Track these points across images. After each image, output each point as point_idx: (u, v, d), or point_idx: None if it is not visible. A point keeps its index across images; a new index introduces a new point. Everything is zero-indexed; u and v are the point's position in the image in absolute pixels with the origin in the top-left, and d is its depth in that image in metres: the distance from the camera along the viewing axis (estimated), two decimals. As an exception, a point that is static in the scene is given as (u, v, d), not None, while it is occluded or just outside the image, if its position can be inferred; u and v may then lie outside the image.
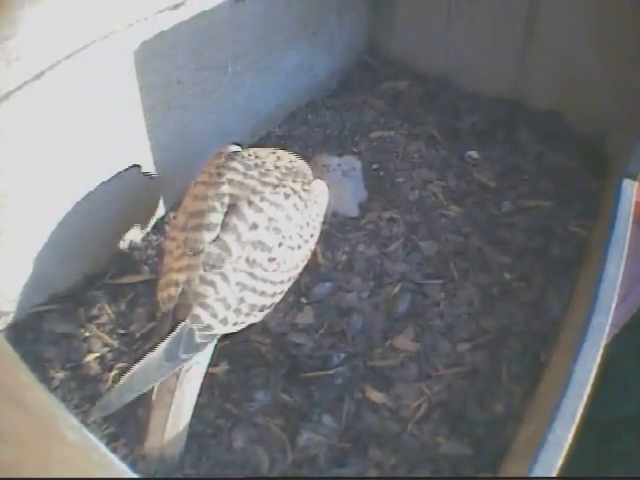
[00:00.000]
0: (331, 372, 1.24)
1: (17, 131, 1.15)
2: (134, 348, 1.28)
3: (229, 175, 1.16)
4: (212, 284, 1.06)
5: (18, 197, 1.19)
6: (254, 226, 1.10)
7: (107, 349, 1.28)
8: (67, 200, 1.31)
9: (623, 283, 1.10)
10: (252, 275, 1.09)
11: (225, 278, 1.07)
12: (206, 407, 1.17)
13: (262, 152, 1.26)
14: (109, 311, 1.35)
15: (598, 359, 0.97)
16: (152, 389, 1.05)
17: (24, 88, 1.12)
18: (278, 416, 1.18)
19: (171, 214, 1.53)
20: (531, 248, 1.49)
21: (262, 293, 1.11)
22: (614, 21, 1.60)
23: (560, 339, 1.24)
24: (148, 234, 1.52)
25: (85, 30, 1.20)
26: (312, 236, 1.22)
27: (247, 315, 1.11)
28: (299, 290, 1.38)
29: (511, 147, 1.78)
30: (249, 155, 1.23)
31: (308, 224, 1.20)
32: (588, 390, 0.93)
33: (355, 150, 1.78)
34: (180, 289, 1.07)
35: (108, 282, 1.41)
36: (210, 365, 1.12)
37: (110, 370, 1.24)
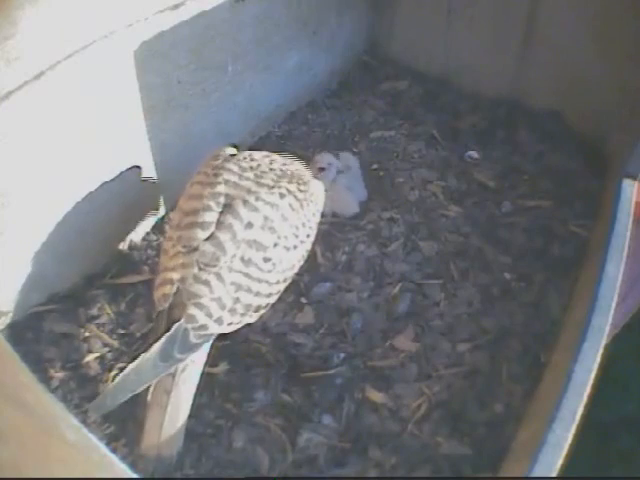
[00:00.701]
0: (331, 372, 1.24)
1: (17, 131, 1.15)
2: (134, 348, 1.28)
3: (225, 176, 1.17)
4: (207, 283, 1.06)
5: (18, 197, 1.19)
6: (249, 225, 1.10)
7: (107, 349, 1.28)
8: (67, 200, 1.31)
9: (623, 283, 1.10)
10: (247, 275, 1.09)
11: (220, 278, 1.07)
12: (206, 407, 1.17)
13: (257, 155, 1.27)
14: (109, 311, 1.35)
15: (598, 359, 0.97)
16: (148, 389, 1.05)
17: (24, 88, 1.12)
18: (278, 416, 1.18)
19: (171, 214, 1.54)
20: (531, 248, 1.49)
21: (257, 293, 1.11)
22: (614, 21, 1.60)
23: (560, 339, 1.24)
24: (148, 234, 1.52)
25: (85, 30, 1.20)
26: (308, 236, 1.22)
27: (242, 315, 1.11)
28: (299, 290, 1.38)
29: (511, 147, 1.78)
30: (244, 158, 1.24)
31: (304, 224, 1.20)
32: (588, 390, 0.93)
33: (355, 150, 1.78)
34: (175, 288, 1.07)
35: (108, 282, 1.41)
36: (207, 364, 1.12)
37: (110, 370, 1.24)
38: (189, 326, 1.04)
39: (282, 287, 1.19)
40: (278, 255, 1.13)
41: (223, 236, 1.08)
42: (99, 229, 1.39)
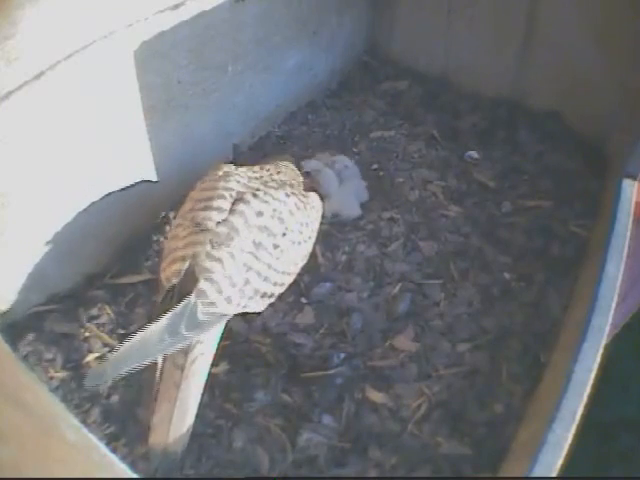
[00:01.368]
0: (331, 372, 1.24)
1: (17, 131, 1.15)
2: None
3: (234, 178, 1.24)
4: (219, 260, 1.08)
5: (18, 197, 1.19)
6: (260, 213, 1.16)
7: (107, 349, 1.28)
8: (67, 200, 1.31)
9: (623, 283, 1.10)
10: (258, 258, 1.12)
11: (232, 256, 1.09)
12: (206, 407, 1.17)
13: (255, 168, 1.33)
14: (109, 311, 1.35)
15: (598, 359, 0.97)
16: (153, 382, 1.05)
17: (24, 88, 1.12)
18: (278, 416, 1.18)
19: (171, 214, 1.53)
20: (531, 248, 1.49)
21: (266, 278, 1.14)
22: (614, 21, 1.60)
23: (560, 339, 1.24)
24: (148, 234, 1.52)
25: (85, 30, 1.20)
26: (310, 238, 1.27)
27: (250, 299, 1.12)
28: (299, 290, 1.38)
29: (511, 147, 1.78)
30: (244, 171, 1.29)
31: (307, 225, 1.25)
32: (588, 390, 0.93)
33: (355, 150, 1.78)
34: (187, 264, 1.08)
35: (108, 282, 1.41)
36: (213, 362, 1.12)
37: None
38: (198, 301, 1.04)
39: (287, 280, 1.22)
40: (286, 245, 1.18)
41: (236, 220, 1.13)
42: (99, 229, 1.40)
